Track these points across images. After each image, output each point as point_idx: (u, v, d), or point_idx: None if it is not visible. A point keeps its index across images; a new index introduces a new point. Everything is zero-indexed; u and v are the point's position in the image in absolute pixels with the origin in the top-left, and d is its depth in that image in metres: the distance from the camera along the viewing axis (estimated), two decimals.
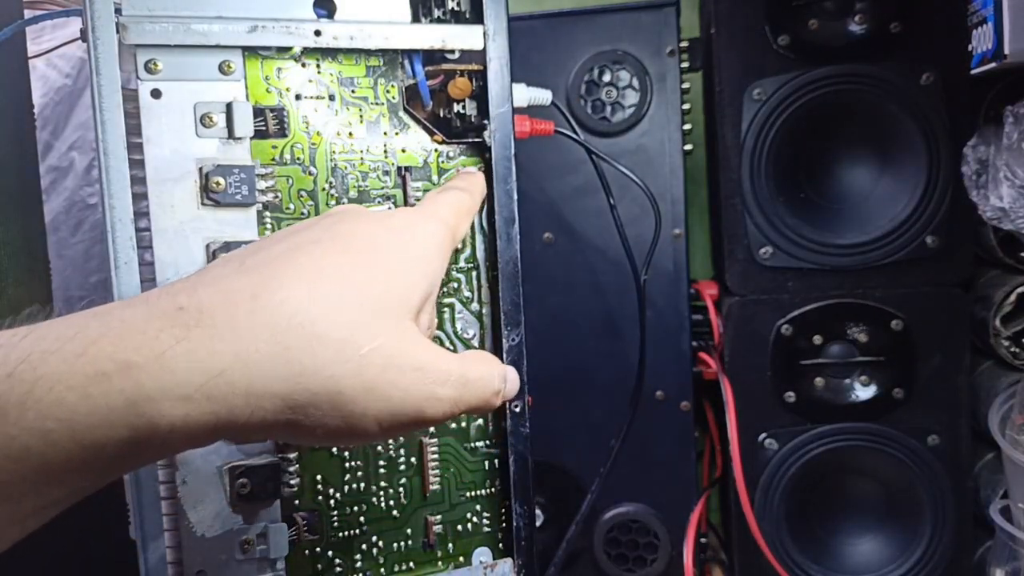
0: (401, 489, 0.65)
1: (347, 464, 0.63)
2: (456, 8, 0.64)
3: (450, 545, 0.67)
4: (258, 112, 0.59)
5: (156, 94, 0.56)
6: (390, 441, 0.65)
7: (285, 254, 0.42)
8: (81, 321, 0.36)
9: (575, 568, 0.91)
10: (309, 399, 0.39)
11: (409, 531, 0.66)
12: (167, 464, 0.58)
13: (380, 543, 0.65)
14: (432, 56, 0.64)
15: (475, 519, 0.68)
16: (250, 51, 0.59)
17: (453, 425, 0.67)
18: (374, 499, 0.64)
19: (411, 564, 0.66)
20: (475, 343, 0.67)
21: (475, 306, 0.67)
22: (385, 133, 0.64)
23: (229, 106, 0.58)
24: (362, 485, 0.64)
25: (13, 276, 0.81)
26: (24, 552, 0.61)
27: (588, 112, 0.87)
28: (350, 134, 0.63)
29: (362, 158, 0.63)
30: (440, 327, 0.66)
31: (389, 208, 0.64)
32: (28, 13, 0.87)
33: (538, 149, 0.86)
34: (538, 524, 0.79)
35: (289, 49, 0.60)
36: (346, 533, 0.64)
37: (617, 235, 0.77)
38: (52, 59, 1.22)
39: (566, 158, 0.87)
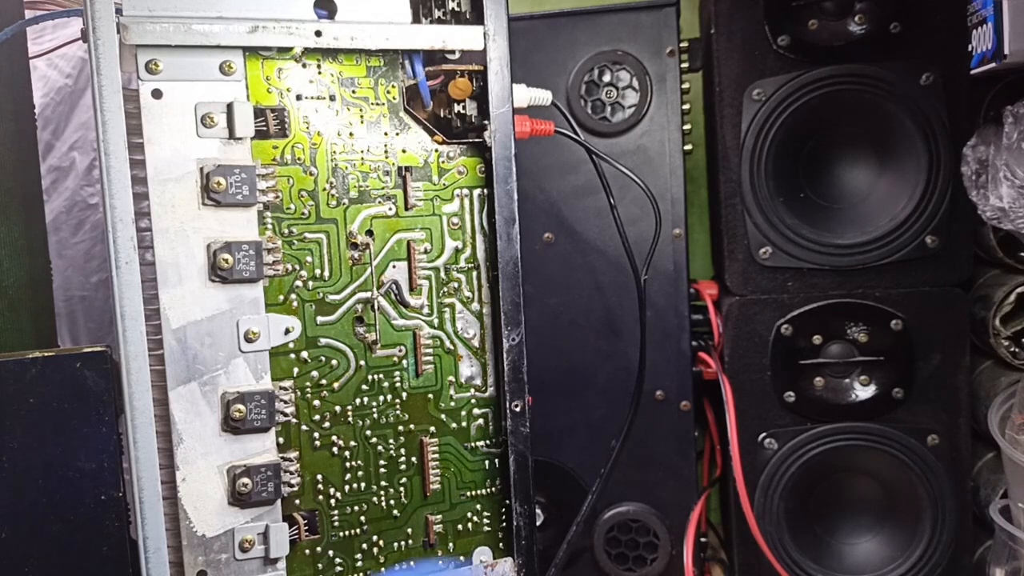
0: (402, 488, 0.65)
1: (347, 464, 0.64)
2: (456, 8, 0.65)
3: (450, 544, 0.67)
4: (259, 112, 0.59)
5: (157, 94, 0.56)
6: (390, 441, 0.65)
7: None
8: None
9: (575, 567, 0.91)
10: None
11: (410, 530, 0.66)
12: (167, 464, 0.58)
13: (381, 542, 0.65)
14: (433, 56, 0.64)
15: (475, 518, 0.68)
16: (251, 51, 0.59)
17: (453, 425, 0.67)
18: (375, 498, 0.65)
19: (412, 563, 0.66)
20: (475, 343, 0.67)
21: (475, 306, 0.67)
22: (386, 133, 0.64)
23: (230, 106, 0.58)
24: (362, 485, 0.64)
25: (14, 276, 0.81)
26: (24, 552, 0.61)
27: (588, 112, 0.87)
28: (351, 134, 0.63)
29: (363, 158, 0.63)
30: (440, 327, 0.66)
31: (390, 208, 0.64)
32: (29, 13, 0.87)
33: (538, 149, 0.86)
34: (538, 524, 0.79)
35: (290, 49, 0.60)
36: (347, 532, 0.64)
37: (617, 235, 0.77)
38: (53, 59, 1.22)
39: (566, 158, 0.87)
